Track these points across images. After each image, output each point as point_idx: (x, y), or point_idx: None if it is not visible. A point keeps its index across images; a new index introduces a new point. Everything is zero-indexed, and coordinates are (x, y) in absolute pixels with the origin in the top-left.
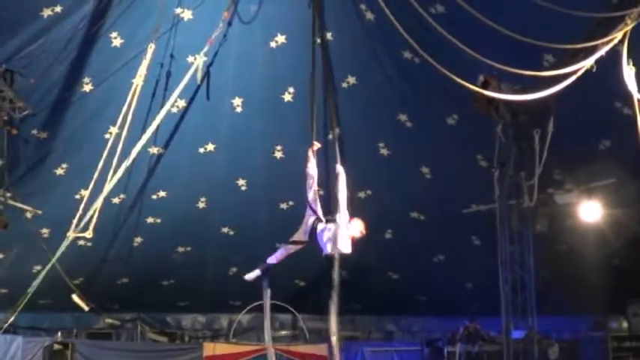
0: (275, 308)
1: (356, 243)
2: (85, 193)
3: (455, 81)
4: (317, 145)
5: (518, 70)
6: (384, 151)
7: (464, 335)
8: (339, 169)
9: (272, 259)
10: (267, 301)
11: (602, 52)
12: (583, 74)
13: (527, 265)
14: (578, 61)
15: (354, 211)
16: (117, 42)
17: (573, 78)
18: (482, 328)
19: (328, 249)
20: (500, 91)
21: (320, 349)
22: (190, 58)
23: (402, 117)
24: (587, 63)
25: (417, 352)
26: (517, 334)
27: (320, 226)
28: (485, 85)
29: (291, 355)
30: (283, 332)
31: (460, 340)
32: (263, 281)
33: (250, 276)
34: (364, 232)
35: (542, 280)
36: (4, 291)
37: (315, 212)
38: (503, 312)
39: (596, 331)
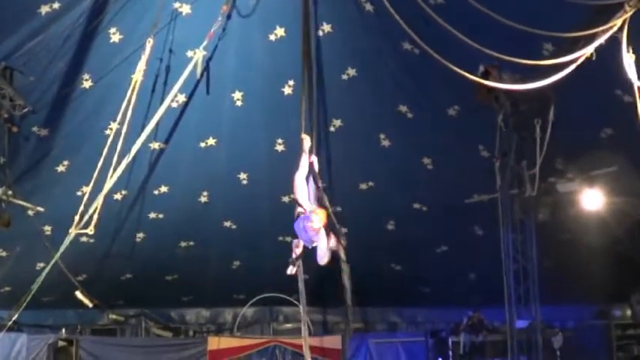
0: (278, 301)
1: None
2: (87, 190)
3: (455, 71)
4: (305, 137)
5: (518, 59)
6: (386, 143)
7: (468, 325)
8: (313, 159)
9: (293, 254)
10: (302, 294)
11: (601, 40)
12: (583, 63)
13: (530, 255)
14: (577, 50)
15: (355, 202)
16: (116, 38)
17: (573, 66)
18: (485, 318)
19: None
20: (500, 80)
21: (325, 341)
22: (190, 53)
23: (403, 108)
24: (587, 51)
25: (422, 342)
26: (521, 324)
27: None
28: (485, 75)
29: (296, 347)
30: (288, 325)
31: (464, 330)
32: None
33: (290, 271)
34: (325, 223)
35: (545, 269)
36: (7, 289)
37: (296, 202)
38: (507, 302)
39: (600, 320)
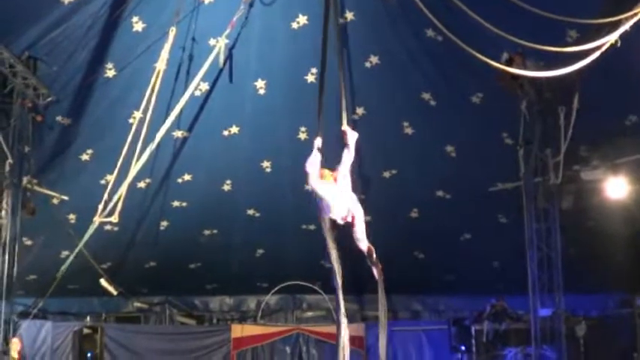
0: (302, 289)
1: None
2: (111, 178)
3: (479, 59)
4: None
5: (542, 46)
6: (409, 130)
7: (491, 314)
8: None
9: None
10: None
11: (626, 26)
12: (607, 49)
13: (554, 243)
14: (602, 36)
15: (379, 190)
16: (138, 27)
17: (598, 53)
18: (509, 307)
19: None
20: (524, 68)
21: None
22: (212, 41)
23: (426, 95)
24: (612, 38)
25: (444, 330)
26: (544, 312)
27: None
28: (509, 63)
29: (319, 335)
30: (311, 313)
31: (487, 318)
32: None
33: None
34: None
35: (568, 257)
36: (33, 277)
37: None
38: (530, 290)
39: (624, 308)
